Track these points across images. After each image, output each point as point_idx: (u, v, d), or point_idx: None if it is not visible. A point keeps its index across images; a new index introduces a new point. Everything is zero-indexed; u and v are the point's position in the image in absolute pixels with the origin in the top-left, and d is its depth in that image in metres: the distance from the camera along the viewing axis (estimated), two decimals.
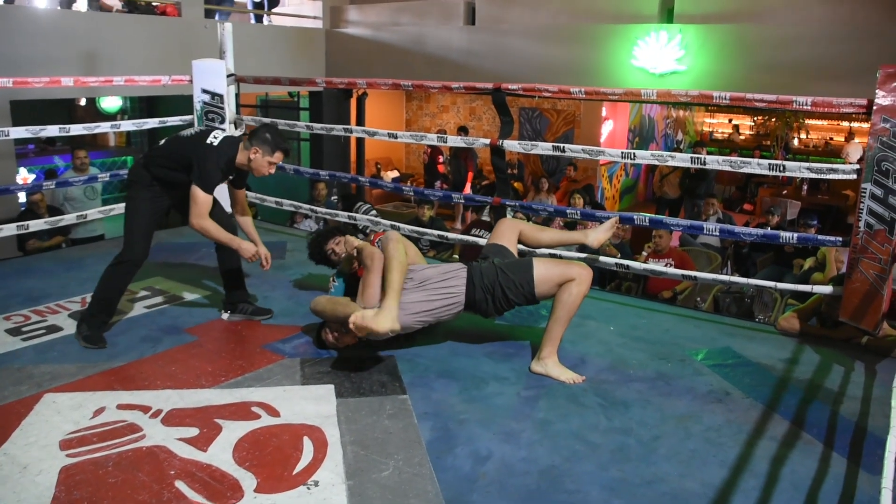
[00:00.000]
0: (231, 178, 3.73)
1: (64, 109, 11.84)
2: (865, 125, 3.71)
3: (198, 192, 3.42)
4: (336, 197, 9.10)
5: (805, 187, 12.58)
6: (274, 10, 11.08)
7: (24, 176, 10.88)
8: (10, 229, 4.83)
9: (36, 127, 4.93)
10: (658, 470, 2.54)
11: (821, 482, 2.49)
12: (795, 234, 3.98)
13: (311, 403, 2.95)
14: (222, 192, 3.82)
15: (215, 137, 3.54)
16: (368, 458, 2.56)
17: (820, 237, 4.01)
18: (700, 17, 8.03)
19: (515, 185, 11.77)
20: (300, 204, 5.87)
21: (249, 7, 11.10)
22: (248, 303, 3.92)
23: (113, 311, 3.61)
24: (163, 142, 3.70)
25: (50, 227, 5.20)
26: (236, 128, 5.59)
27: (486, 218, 7.83)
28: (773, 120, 15.95)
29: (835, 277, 4.12)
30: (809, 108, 3.65)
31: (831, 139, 15.86)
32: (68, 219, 5.31)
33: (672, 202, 11.06)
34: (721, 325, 4.06)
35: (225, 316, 3.89)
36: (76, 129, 5.28)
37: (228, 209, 4.05)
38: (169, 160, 3.55)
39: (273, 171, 3.59)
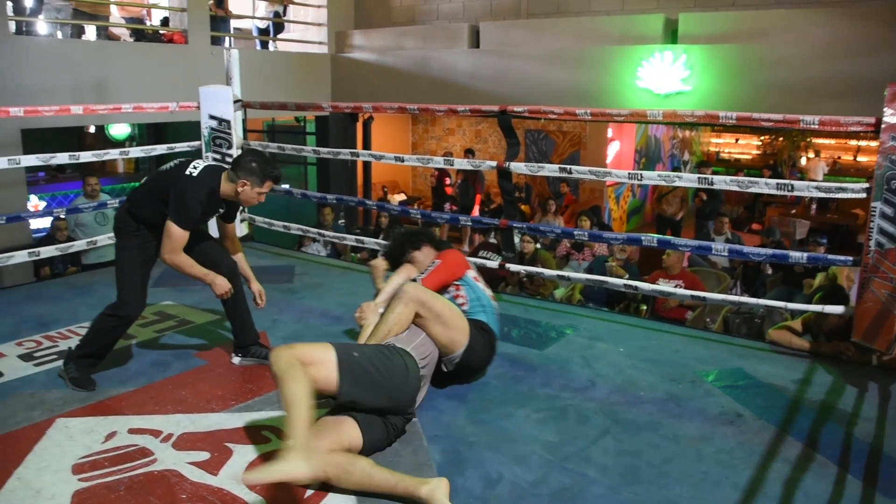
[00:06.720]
0: (221, 211, 3.51)
1: (73, 137, 11.95)
2: (874, 143, 3.71)
3: (172, 227, 3.22)
4: (343, 220, 9.15)
5: (814, 206, 12.56)
6: (279, 36, 11.19)
7: (35, 203, 10.99)
8: (22, 256, 4.86)
9: (46, 155, 4.98)
10: (670, 493, 2.52)
11: None
12: (805, 254, 3.98)
13: None
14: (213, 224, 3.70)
15: (195, 168, 3.32)
16: None
17: (830, 256, 3.99)
18: (704, 37, 8.08)
19: (523, 207, 11.79)
20: (308, 228, 5.90)
21: (255, 34, 11.22)
22: (260, 345, 3.68)
23: (104, 356, 3.41)
24: (143, 181, 3.53)
25: (62, 254, 5.23)
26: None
27: (493, 240, 7.85)
28: (780, 139, 16.00)
29: (825, 289, 4.13)
30: (816, 126, 3.66)
31: (839, 158, 15.88)
32: (78, 245, 5.34)
33: (673, 222, 11.03)
34: (731, 346, 4.04)
35: (237, 360, 3.66)
36: (86, 157, 5.33)
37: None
38: (149, 196, 3.36)
39: (263, 199, 3.40)
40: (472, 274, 3.51)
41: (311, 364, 2.58)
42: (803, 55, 7.45)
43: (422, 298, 3.10)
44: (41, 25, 8.47)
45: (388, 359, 2.83)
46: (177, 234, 3.23)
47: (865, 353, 3.71)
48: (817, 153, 15.43)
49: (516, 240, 6.39)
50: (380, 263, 3.81)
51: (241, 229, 5.75)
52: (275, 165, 3.37)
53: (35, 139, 7.35)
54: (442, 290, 3.44)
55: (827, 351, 3.83)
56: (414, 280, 3.34)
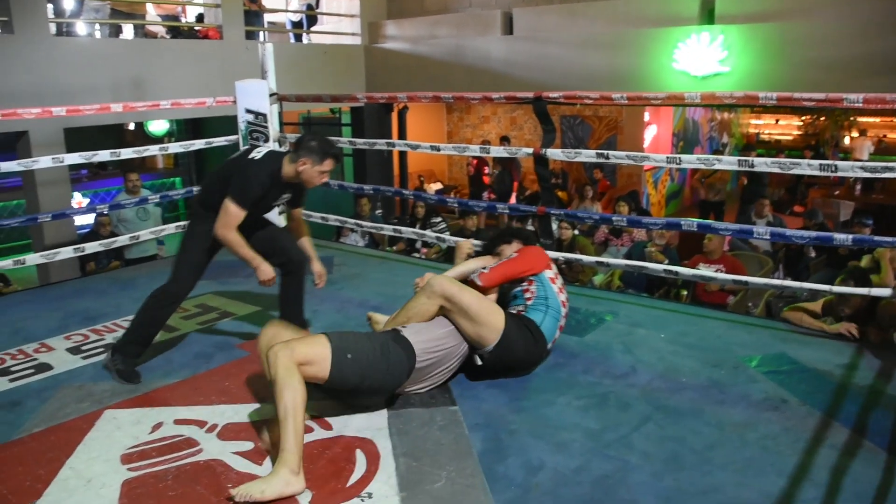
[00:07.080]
0: (286, 197, 3.57)
1: (114, 135, 12.17)
2: None
3: (229, 204, 3.27)
4: (380, 211, 9.18)
5: (858, 187, 12.28)
6: (313, 29, 11.25)
7: (79, 200, 11.24)
8: (67, 252, 4.98)
9: (88, 152, 5.08)
10: (714, 479, 2.50)
11: (886, 492, 2.41)
12: (850, 236, 3.89)
13: (362, 416, 2.97)
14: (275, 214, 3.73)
15: (258, 152, 3.43)
16: (421, 469, 2.56)
17: (876, 238, 3.90)
18: (742, 16, 7.92)
19: (560, 193, 11.71)
20: (346, 219, 5.93)
21: (288, 27, 11.29)
22: None
23: (150, 342, 3.47)
24: (214, 169, 3.61)
25: (105, 249, 5.35)
26: (280, 146, 5.68)
27: (530, 227, 7.81)
28: (822, 119, 15.65)
29: (848, 272, 4.07)
30: (861, 105, 3.57)
31: (885, 136, 15.48)
32: (122, 240, 5.44)
33: (716, 205, 10.86)
34: (774, 331, 3.98)
35: None
36: (126, 153, 5.41)
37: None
38: (218, 183, 3.41)
39: (326, 178, 3.45)
40: (549, 274, 3.51)
41: (308, 364, 2.66)
42: (844, 32, 7.26)
43: (447, 292, 3.14)
44: (80, 26, 8.63)
45: (377, 357, 2.88)
46: (233, 211, 3.29)
47: (887, 333, 3.66)
48: (862, 132, 15.06)
49: (554, 226, 6.35)
50: (464, 244, 3.91)
51: (279, 222, 5.80)
52: (333, 145, 3.42)
53: (77, 137, 7.51)
54: (514, 283, 3.50)
55: (834, 330, 3.85)
56: (485, 269, 3.42)
